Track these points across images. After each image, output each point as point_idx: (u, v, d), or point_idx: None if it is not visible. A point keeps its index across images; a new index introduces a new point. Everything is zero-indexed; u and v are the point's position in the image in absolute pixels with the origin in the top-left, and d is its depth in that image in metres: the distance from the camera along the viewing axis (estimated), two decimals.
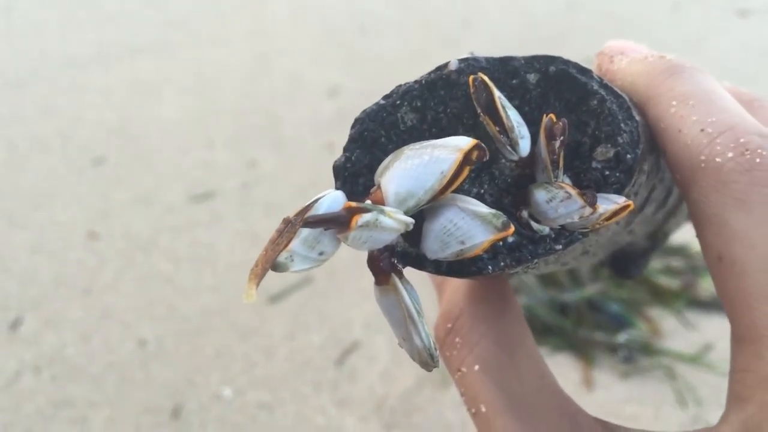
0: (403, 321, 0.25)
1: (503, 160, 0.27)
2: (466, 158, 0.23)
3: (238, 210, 1.83)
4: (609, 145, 0.27)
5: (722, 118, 0.27)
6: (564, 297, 1.44)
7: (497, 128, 0.25)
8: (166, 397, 1.30)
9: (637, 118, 0.27)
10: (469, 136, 0.24)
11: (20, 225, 1.78)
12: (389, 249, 0.25)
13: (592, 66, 0.35)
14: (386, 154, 0.26)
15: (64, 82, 2.59)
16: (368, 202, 0.24)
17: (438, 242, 0.25)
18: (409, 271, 0.26)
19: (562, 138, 0.25)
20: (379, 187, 0.25)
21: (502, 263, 0.26)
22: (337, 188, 0.27)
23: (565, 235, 0.26)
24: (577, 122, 0.27)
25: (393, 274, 0.25)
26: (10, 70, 2.69)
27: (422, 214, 0.25)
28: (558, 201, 0.25)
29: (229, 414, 1.27)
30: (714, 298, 1.43)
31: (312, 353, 1.38)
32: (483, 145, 0.23)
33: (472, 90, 0.26)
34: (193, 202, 1.86)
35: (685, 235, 0.41)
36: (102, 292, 1.55)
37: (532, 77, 0.28)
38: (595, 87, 0.27)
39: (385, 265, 0.25)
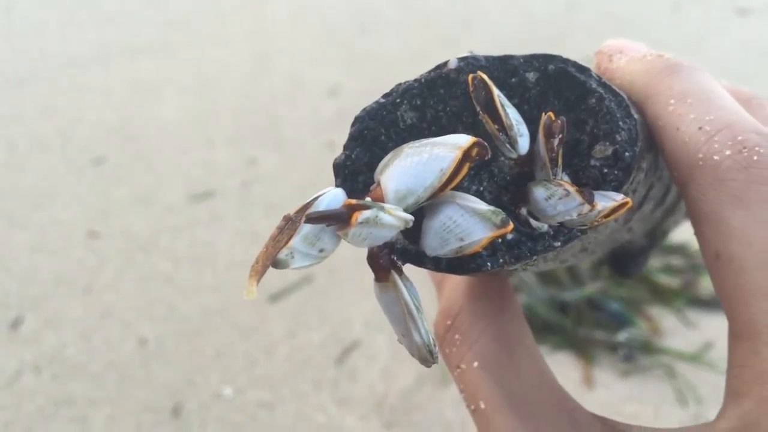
0: (402, 317, 0.25)
1: (502, 158, 0.27)
2: (466, 156, 0.23)
3: (238, 209, 1.83)
4: (607, 143, 0.27)
5: (720, 116, 0.28)
6: (564, 295, 1.44)
7: (496, 126, 0.26)
8: (166, 395, 1.30)
9: (636, 116, 0.27)
10: (468, 134, 0.24)
11: (20, 224, 1.78)
12: (389, 246, 0.26)
13: (591, 65, 0.35)
14: (386, 152, 0.26)
15: (64, 82, 2.59)
16: (368, 199, 0.24)
17: (437, 239, 0.25)
18: (408, 268, 0.27)
19: (560, 136, 0.25)
20: (378, 184, 0.25)
21: (501, 260, 0.26)
22: (337, 186, 0.27)
23: (564, 232, 0.26)
24: (576, 120, 0.27)
25: (393, 271, 0.25)
26: (11, 70, 2.69)
27: (422, 211, 0.25)
28: (557, 198, 0.25)
29: (230, 413, 1.27)
30: (714, 296, 1.43)
31: (312, 352, 1.39)
32: (484, 142, 0.24)
33: (471, 88, 0.26)
34: (193, 202, 1.86)
35: (684, 233, 0.41)
36: (102, 292, 1.55)
37: (531, 76, 0.28)
38: (594, 85, 0.27)
39: (385, 261, 0.25)
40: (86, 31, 3.04)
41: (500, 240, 0.26)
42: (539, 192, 0.26)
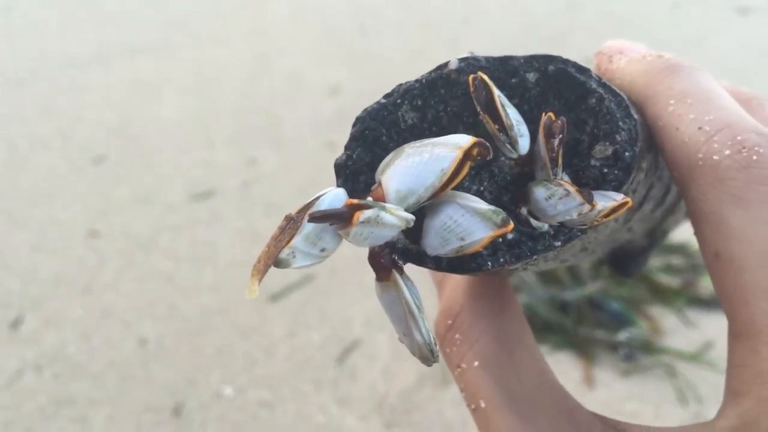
0: (403, 316, 0.26)
1: (503, 158, 0.27)
2: (467, 156, 0.23)
3: (239, 209, 1.83)
4: (607, 143, 0.27)
5: (720, 116, 0.28)
6: (564, 295, 1.44)
7: (497, 126, 0.26)
8: (167, 395, 1.30)
9: (636, 116, 0.27)
10: (469, 134, 0.25)
11: (21, 224, 1.79)
12: (390, 245, 0.26)
13: (592, 65, 0.35)
14: (387, 153, 0.26)
15: (64, 82, 2.60)
16: (369, 199, 0.24)
17: (438, 238, 0.25)
18: (409, 268, 0.27)
19: (560, 136, 0.25)
20: (380, 184, 0.25)
21: (501, 259, 0.26)
22: (338, 186, 0.27)
23: (564, 231, 0.26)
24: (576, 120, 0.27)
25: (394, 270, 0.25)
26: (11, 70, 2.70)
27: (423, 211, 0.25)
28: (557, 198, 0.25)
29: (230, 412, 1.27)
30: (714, 296, 1.44)
31: (312, 352, 1.39)
32: (486, 143, 0.24)
33: (472, 89, 0.26)
34: (193, 201, 1.86)
35: (684, 233, 0.42)
36: (102, 291, 1.55)
37: (531, 76, 0.28)
38: (594, 86, 0.27)
39: (386, 261, 0.25)
40: (86, 31, 3.05)
41: (501, 239, 0.26)
42: (539, 192, 0.26)
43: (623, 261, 0.47)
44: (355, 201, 0.23)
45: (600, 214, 0.25)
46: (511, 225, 0.24)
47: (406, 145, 0.26)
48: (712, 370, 1.31)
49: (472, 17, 3.12)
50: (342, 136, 2.16)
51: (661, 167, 0.34)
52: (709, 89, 0.29)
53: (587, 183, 0.27)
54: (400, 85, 0.28)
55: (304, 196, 1.81)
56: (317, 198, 0.24)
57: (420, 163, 0.24)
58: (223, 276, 1.59)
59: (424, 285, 0.33)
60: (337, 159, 0.28)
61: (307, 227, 0.23)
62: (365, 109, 0.28)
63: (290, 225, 0.23)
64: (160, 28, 3.07)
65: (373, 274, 0.26)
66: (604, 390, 1.28)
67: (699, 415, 1.23)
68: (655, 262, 1.52)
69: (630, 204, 0.25)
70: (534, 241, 0.26)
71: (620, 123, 0.27)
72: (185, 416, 1.26)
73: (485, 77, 0.26)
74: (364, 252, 0.25)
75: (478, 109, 0.26)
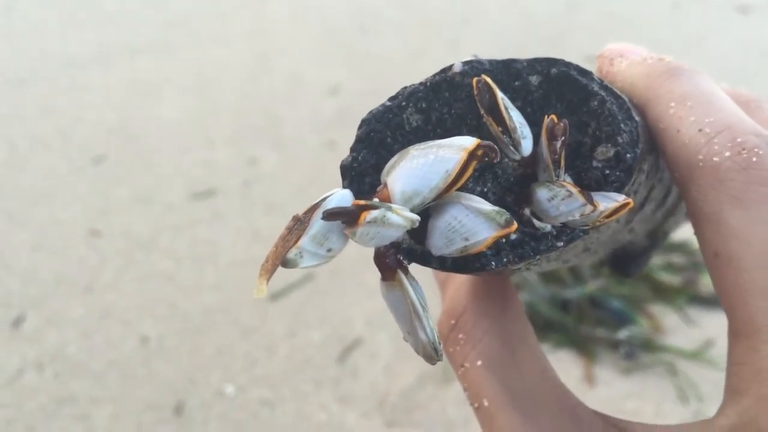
0: (408, 316, 0.26)
1: (506, 160, 0.28)
2: (471, 157, 0.24)
3: (239, 208, 1.84)
4: (609, 145, 0.27)
5: (720, 118, 0.28)
6: (566, 293, 1.44)
7: (500, 129, 0.26)
8: (168, 394, 1.30)
9: (637, 118, 0.28)
10: (472, 136, 0.25)
11: (21, 223, 1.79)
12: (395, 245, 0.26)
13: (592, 65, 0.35)
14: (392, 154, 0.27)
15: (64, 82, 2.60)
16: (375, 200, 0.25)
17: (443, 239, 0.25)
18: (412, 269, 0.27)
19: (563, 138, 0.25)
20: (385, 185, 0.25)
21: (505, 259, 0.27)
22: (344, 187, 0.27)
23: (567, 232, 0.27)
24: (578, 123, 0.28)
25: (399, 270, 0.26)
26: (11, 70, 2.70)
27: (427, 211, 0.26)
28: (559, 199, 0.26)
29: (231, 411, 1.27)
30: (715, 294, 1.44)
31: (313, 350, 1.39)
32: (494, 145, 0.24)
33: (475, 92, 0.26)
34: (193, 200, 1.86)
35: (686, 232, 0.42)
36: (103, 290, 1.55)
37: (534, 79, 0.28)
38: (596, 88, 0.28)
39: (392, 261, 0.26)
40: (86, 31, 3.04)
41: (504, 240, 0.27)
42: (542, 193, 0.26)
43: (624, 261, 0.47)
44: (361, 201, 0.23)
45: (602, 215, 0.26)
46: (515, 225, 0.25)
47: (411, 147, 0.26)
48: (712, 368, 1.31)
49: (472, 17, 3.12)
50: (342, 135, 2.17)
51: (662, 169, 0.34)
52: (710, 92, 0.30)
53: (589, 184, 0.27)
54: (405, 87, 0.29)
55: (304, 195, 1.82)
56: (324, 199, 0.24)
57: (425, 165, 0.25)
58: (223, 275, 1.59)
59: (427, 286, 0.33)
60: (342, 161, 0.28)
61: (314, 228, 0.24)
62: (370, 112, 0.29)
63: (297, 225, 0.24)
64: (160, 28, 3.06)
65: (376, 274, 0.26)
66: (604, 388, 1.29)
67: (699, 413, 1.23)
68: (656, 260, 1.52)
69: (631, 205, 0.26)
70: (537, 241, 0.27)
71: (622, 125, 0.27)
72: (186, 415, 1.27)
73: (489, 80, 0.26)
74: (365, 252, 0.25)
75: (482, 111, 0.26)
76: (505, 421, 0.30)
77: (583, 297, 1.43)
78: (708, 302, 1.45)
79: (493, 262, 0.26)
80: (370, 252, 0.26)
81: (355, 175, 0.28)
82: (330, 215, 0.23)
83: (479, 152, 0.24)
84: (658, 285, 1.49)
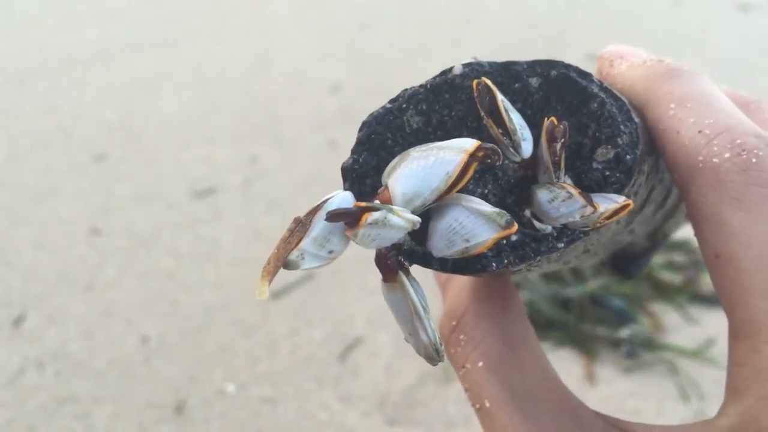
0: (409, 317, 0.26)
1: (506, 162, 0.28)
2: (472, 159, 0.24)
3: (240, 206, 1.84)
4: (609, 147, 0.27)
5: (719, 119, 0.28)
6: (567, 292, 1.44)
7: (500, 131, 0.26)
8: (169, 392, 1.31)
9: (637, 120, 0.28)
10: (473, 138, 0.25)
11: (22, 221, 1.79)
12: (397, 247, 0.26)
13: (592, 63, 0.36)
14: (393, 156, 0.27)
15: (65, 79, 2.60)
16: (376, 202, 0.25)
17: (444, 240, 0.25)
18: (413, 270, 0.27)
19: (563, 140, 0.26)
20: (386, 187, 0.25)
21: (506, 260, 0.27)
22: (345, 189, 0.28)
23: (567, 233, 0.27)
24: (578, 124, 0.28)
25: (400, 272, 0.26)
26: (12, 67, 2.70)
27: (428, 213, 0.26)
28: (560, 201, 0.26)
29: (233, 409, 1.27)
30: (716, 293, 1.44)
31: (314, 349, 1.39)
32: (496, 147, 0.24)
33: (475, 94, 0.26)
34: (194, 198, 1.86)
35: (687, 230, 0.42)
36: (104, 289, 1.56)
37: (534, 81, 0.28)
38: (596, 90, 0.28)
39: (393, 262, 0.26)
40: (87, 29, 3.05)
41: (505, 241, 0.27)
42: (542, 194, 0.26)
43: (625, 263, 0.47)
44: (363, 203, 0.23)
45: (602, 217, 0.26)
46: (516, 227, 0.25)
47: (411, 149, 0.26)
48: (713, 367, 1.31)
49: (472, 16, 3.12)
50: (343, 133, 2.17)
51: (662, 170, 0.34)
52: (709, 93, 0.30)
53: (589, 186, 0.27)
54: (405, 90, 0.29)
55: (305, 193, 1.82)
56: (325, 201, 0.24)
57: (426, 167, 0.25)
58: (224, 273, 1.59)
59: (428, 287, 0.33)
60: (343, 163, 0.28)
61: (316, 230, 0.24)
62: (371, 114, 0.29)
63: (299, 227, 0.24)
64: (161, 26, 3.07)
65: (377, 273, 0.26)
66: (605, 387, 1.29)
67: (701, 412, 1.23)
68: (657, 259, 1.52)
69: (631, 206, 0.26)
70: (537, 242, 0.27)
71: (622, 127, 0.27)
72: (187, 413, 1.27)
73: (489, 82, 0.26)
74: (365, 251, 0.26)
75: (482, 113, 0.26)
76: (507, 421, 0.30)
77: (584, 295, 1.43)
78: (709, 301, 1.45)
79: (493, 264, 0.27)
80: (371, 251, 0.26)
81: (356, 177, 0.28)
82: (332, 216, 0.23)
83: (480, 154, 0.24)
84: (659, 283, 1.49)
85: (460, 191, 0.25)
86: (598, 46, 0.37)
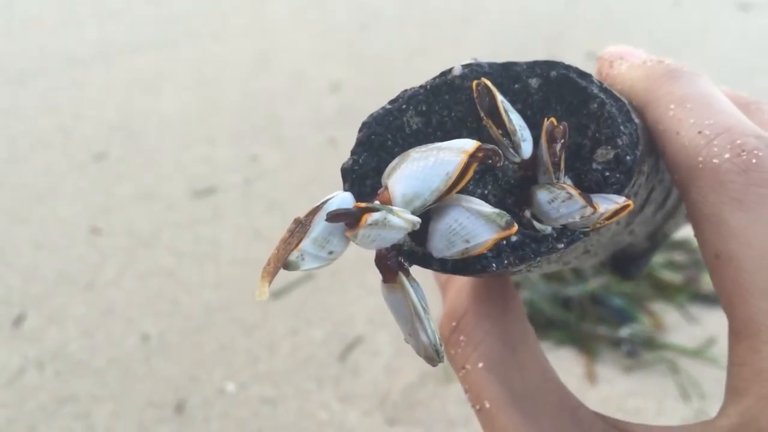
0: (409, 318, 0.26)
1: (506, 163, 0.28)
2: (471, 159, 0.24)
3: (240, 205, 1.84)
4: (609, 147, 0.27)
5: (719, 120, 0.28)
6: (567, 291, 1.44)
7: (500, 131, 0.26)
8: (169, 391, 1.31)
9: (636, 120, 0.28)
10: (472, 139, 0.25)
11: (22, 221, 1.79)
12: (397, 248, 0.26)
13: (592, 62, 0.35)
14: (393, 157, 0.27)
15: (65, 79, 2.60)
16: (376, 202, 0.25)
17: (444, 241, 0.25)
18: (413, 271, 0.27)
19: (563, 141, 0.26)
20: (386, 188, 0.25)
21: (506, 261, 0.27)
22: (345, 190, 0.28)
23: (567, 234, 0.27)
24: (578, 125, 0.28)
25: (400, 272, 0.26)
26: (12, 67, 2.70)
27: (428, 214, 0.26)
28: (560, 201, 0.26)
29: (233, 409, 1.27)
30: (716, 292, 1.44)
31: (315, 348, 1.39)
32: (497, 148, 0.24)
33: (475, 94, 0.26)
34: (195, 198, 1.86)
35: (687, 230, 0.42)
36: (105, 288, 1.56)
37: (533, 82, 0.28)
38: (596, 91, 0.28)
39: (393, 263, 0.26)
40: (87, 29, 3.05)
41: (505, 242, 0.27)
42: (542, 195, 0.26)
43: (625, 263, 0.47)
44: (363, 204, 0.23)
45: (602, 217, 0.26)
46: (515, 227, 0.25)
47: (411, 150, 0.26)
48: (714, 366, 1.31)
49: (472, 16, 3.12)
50: (343, 133, 2.17)
51: (662, 171, 0.34)
52: (709, 94, 0.30)
53: (589, 186, 0.27)
54: (405, 90, 0.29)
55: (305, 193, 1.82)
56: (325, 201, 0.24)
57: (426, 168, 0.25)
58: (225, 273, 1.60)
59: (428, 288, 0.33)
60: (343, 164, 0.28)
61: (316, 230, 0.24)
62: (371, 115, 0.29)
63: (299, 228, 0.24)
64: (161, 26, 3.07)
65: (377, 273, 0.26)
66: (606, 386, 1.29)
67: (701, 411, 1.23)
68: (657, 258, 1.52)
69: (631, 207, 0.26)
70: (537, 243, 0.27)
71: (621, 127, 0.27)
72: (188, 412, 1.27)
73: (488, 83, 0.26)
74: (365, 251, 0.26)
75: (482, 114, 0.26)
76: (507, 422, 0.30)
77: (584, 295, 1.43)
78: (709, 300, 1.45)
79: (493, 264, 0.27)
80: (371, 252, 0.26)
81: (356, 178, 0.28)
82: (332, 217, 0.23)
83: (480, 155, 0.24)
84: (660, 282, 1.49)
85: (460, 192, 0.25)
86: (598, 46, 0.37)
